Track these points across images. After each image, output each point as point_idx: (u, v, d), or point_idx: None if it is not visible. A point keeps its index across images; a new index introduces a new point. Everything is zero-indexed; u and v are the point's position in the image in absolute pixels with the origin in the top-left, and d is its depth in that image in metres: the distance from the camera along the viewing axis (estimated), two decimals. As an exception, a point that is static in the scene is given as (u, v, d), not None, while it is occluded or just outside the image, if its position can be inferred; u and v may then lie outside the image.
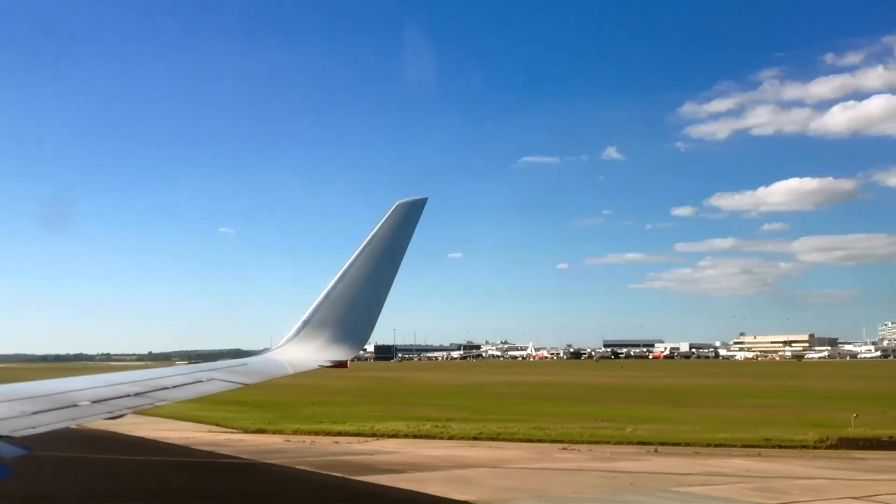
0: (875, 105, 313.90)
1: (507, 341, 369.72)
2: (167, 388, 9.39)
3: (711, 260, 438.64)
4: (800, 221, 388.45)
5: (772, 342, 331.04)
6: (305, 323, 12.14)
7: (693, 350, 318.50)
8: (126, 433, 33.23)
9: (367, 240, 12.41)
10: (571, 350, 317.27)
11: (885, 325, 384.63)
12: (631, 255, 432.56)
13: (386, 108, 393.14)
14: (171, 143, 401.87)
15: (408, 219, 12.37)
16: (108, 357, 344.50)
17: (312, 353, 11.59)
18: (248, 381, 10.44)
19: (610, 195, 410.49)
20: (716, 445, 32.13)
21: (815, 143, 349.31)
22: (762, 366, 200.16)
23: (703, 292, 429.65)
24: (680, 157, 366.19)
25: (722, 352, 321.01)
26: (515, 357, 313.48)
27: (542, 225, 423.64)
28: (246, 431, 37.50)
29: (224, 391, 9.81)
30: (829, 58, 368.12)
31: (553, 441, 33.52)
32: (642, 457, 29.21)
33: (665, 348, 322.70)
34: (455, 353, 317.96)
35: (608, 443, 32.85)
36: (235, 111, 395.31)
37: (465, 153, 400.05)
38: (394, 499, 20.36)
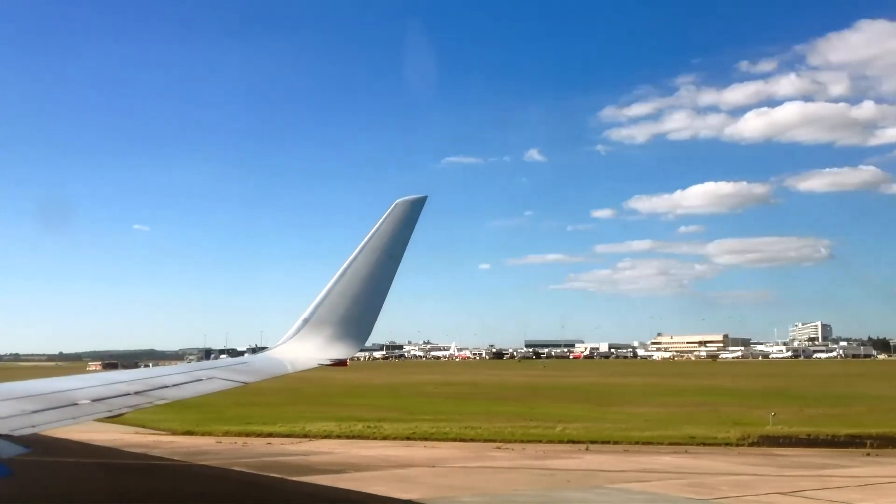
0: (787, 112, 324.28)
1: (430, 341, 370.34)
2: (167, 386, 9.35)
3: (630, 261, 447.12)
4: (715, 224, 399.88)
5: (688, 342, 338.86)
6: (305, 321, 12.04)
7: (612, 350, 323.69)
8: (48, 435, 32.32)
9: (367, 238, 12.38)
10: (494, 350, 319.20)
11: (796, 325, 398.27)
12: (552, 256, 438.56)
13: (309, 105, 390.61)
14: (77, 136, 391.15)
15: (407, 217, 12.36)
16: (16, 357, 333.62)
17: (312, 352, 11.51)
18: (249, 379, 10.41)
19: (532, 196, 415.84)
20: (644, 443, 32.97)
21: (729, 148, 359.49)
22: (679, 365, 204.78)
23: (622, 293, 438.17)
24: (600, 159, 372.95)
25: (640, 352, 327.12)
26: (438, 357, 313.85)
27: (464, 225, 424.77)
28: (174, 433, 36.89)
29: (224, 390, 9.78)
30: (743, 65, 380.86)
31: (486, 440, 33.91)
32: (575, 454, 29.82)
33: (585, 348, 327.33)
34: (377, 354, 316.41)
35: (540, 441, 33.37)
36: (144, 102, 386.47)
37: (387, 152, 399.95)
38: (339, 499, 20.38)
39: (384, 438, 35.08)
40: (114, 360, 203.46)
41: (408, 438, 35.01)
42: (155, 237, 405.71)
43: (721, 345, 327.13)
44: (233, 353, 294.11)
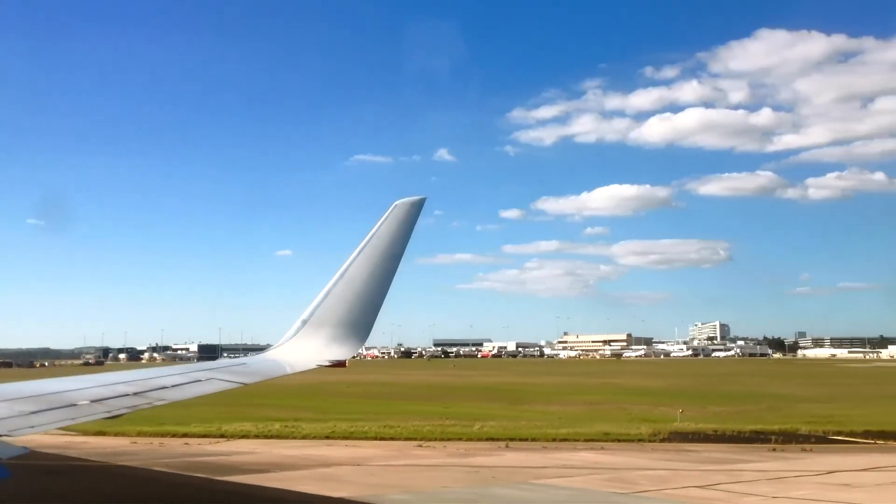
0: (689, 117, 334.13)
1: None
2: (165, 387, 9.27)
3: (537, 261, 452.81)
4: (619, 226, 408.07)
5: (593, 341, 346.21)
6: (304, 322, 11.94)
7: (520, 349, 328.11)
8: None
9: (366, 239, 12.37)
10: (403, 349, 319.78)
11: (696, 325, 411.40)
12: (461, 256, 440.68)
13: (221, 99, 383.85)
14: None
15: (406, 218, 12.37)
16: None
17: (311, 353, 11.42)
18: (247, 380, 10.35)
19: (441, 196, 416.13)
20: (561, 440, 33.70)
21: (634, 152, 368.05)
22: (585, 364, 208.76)
23: (530, 293, 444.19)
24: (509, 160, 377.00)
25: (547, 351, 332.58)
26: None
27: (372, 224, 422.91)
28: (86, 434, 35.84)
29: (223, 391, 9.72)
30: (648, 71, 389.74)
31: (406, 439, 34.12)
32: (496, 452, 30.30)
33: (493, 347, 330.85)
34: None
35: (460, 439, 33.77)
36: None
37: (297, 149, 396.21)
38: (271, 498, 20.32)
39: (303, 438, 34.94)
40: (7, 360, 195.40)
41: (327, 438, 34.94)
42: (51, 232, 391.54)
43: (625, 344, 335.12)
44: (132, 352, 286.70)
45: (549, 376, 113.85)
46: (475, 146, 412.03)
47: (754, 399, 62.04)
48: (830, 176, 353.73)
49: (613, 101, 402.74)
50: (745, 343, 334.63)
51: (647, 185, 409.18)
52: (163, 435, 35.06)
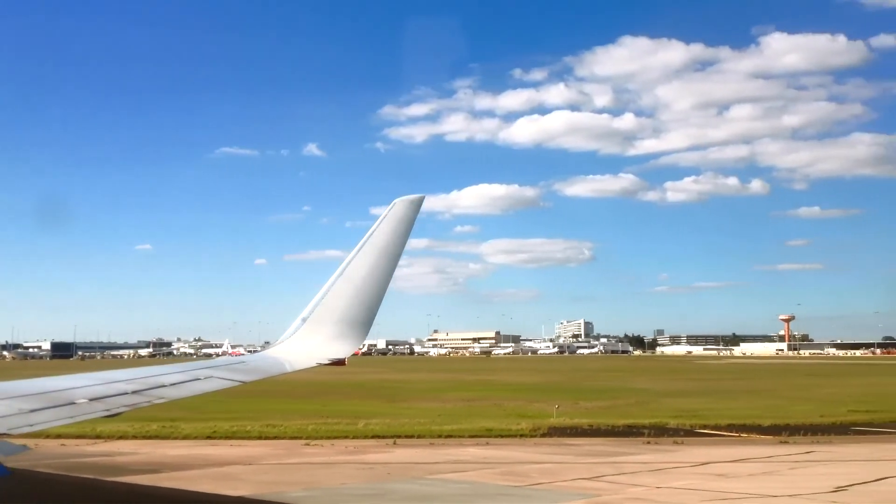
0: (556, 120, 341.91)
1: (202, 338, 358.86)
2: (164, 385, 9.15)
3: (407, 259, 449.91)
4: (488, 225, 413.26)
5: (462, 339, 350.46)
6: (304, 320, 11.83)
7: (390, 346, 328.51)
8: None
9: (365, 237, 12.33)
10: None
11: (561, 323, 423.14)
12: (331, 252, 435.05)
13: (78, 85, 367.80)
14: None
15: (405, 216, 12.36)
16: None
17: (310, 351, 11.32)
18: (247, 378, 10.22)
19: (310, 191, 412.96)
20: (446, 436, 34.29)
21: (503, 152, 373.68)
22: (455, 361, 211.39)
23: (400, 290, 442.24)
24: (380, 157, 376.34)
25: (417, 348, 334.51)
26: (210, 355, 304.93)
27: (239, 219, 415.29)
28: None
29: (222, 389, 9.65)
30: (517, 73, 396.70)
31: (292, 437, 33.95)
32: (385, 449, 30.57)
33: (364, 345, 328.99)
34: (143, 351, 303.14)
35: (347, 437, 33.87)
36: None
37: (156, 140, 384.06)
38: (174, 498, 19.89)
39: (185, 438, 34.24)
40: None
41: (209, 438, 34.38)
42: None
43: (494, 341, 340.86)
44: (15, 347, 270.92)
45: (421, 373, 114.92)
46: (345, 141, 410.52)
47: (622, 394, 64.45)
48: (688, 180, 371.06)
49: (484, 102, 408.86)
50: (608, 340, 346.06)
51: (516, 185, 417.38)
52: (35, 436, 33.58)
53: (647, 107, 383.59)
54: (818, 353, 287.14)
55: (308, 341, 11.40)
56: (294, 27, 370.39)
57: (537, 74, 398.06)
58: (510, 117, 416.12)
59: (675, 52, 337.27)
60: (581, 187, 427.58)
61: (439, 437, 34.18)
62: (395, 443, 32.41)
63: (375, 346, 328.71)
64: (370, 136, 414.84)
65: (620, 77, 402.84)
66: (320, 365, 11.06)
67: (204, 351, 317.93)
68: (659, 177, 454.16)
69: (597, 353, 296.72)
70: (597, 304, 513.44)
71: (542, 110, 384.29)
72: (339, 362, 11.22)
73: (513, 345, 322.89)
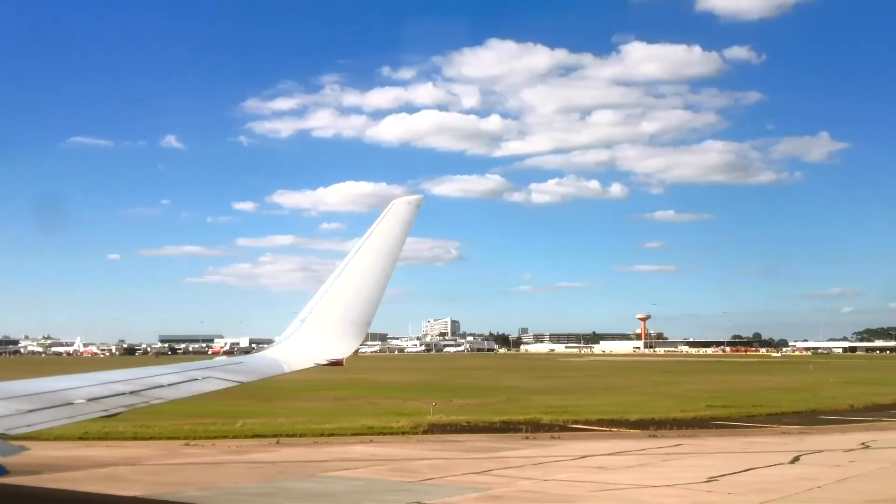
0: (424, 119, 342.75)
1: (51, 336, 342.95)
2: (162, 386, 8.98)
3: (272, 256, 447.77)
4: (355, 222, 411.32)
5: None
6: (302, 321, 11.63)
7: (253, 345, 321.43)
8: None
9: (363, 238, 12.14)
10: (125, 346, 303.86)
11: (428, 321, 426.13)
12: (190, 248, 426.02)
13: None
14: None
15: (404, 217, 12.23)
16: None
17: (309, 352, 11.12)
18: (245, 379, 10.05)
19: (169, 185, 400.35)
20: (329, 435, 34.26)
21: (370, 150, 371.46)
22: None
23: (264, 287, 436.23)
24: (243, 151, 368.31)
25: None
26: (60, 353, 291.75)
27: (91, 212, 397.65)
28: None
29: (220, 389, 9.54)
30: (385, 70, 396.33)
31: (169, 438, 33.09)
32: (270, 448, 30.35)
33: (225, 343, 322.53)
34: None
35: (227, 437, 33.35)
36: None
37: (1, 127, 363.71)
38: (65, 499, 19.25)
39: (56, 439, 32.72)
40: None
41: (81, 438, 33.01)
42: None
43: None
44: None
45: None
46: (207, 135, 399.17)
47: (493, 392, 65.77)
48: (551, 182, 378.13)
49: (351, 98, 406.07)
50: (474, 339, 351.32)
51: (384, 183, 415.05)
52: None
53: (513, 109, 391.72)
54: (672, 351, 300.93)
55: (306, 342, 11.38)
56: (154, 9, 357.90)
57: (406, 73, 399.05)
58: (378, 115, 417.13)
59: (540, 57, 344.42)
60: (448, 187, 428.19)
61: (321, 435, 34.12)
62: (278, 442, 32.19)
63: (238, 344, 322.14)
64: (233, 130, 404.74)
65: (488, 79, 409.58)
66: (318, 366, 11.07)
67: (53, 350, 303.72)
68: (524, 178, 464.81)
69: (463, 351, 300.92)
70: (463, 302, 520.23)
71: (411, 109, 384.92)
72: (336, 363, 11.24)
73: (380, 343, 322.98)
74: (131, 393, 8.52)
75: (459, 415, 43.07)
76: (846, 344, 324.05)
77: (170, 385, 9.12)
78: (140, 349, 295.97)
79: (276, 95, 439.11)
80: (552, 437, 34.38)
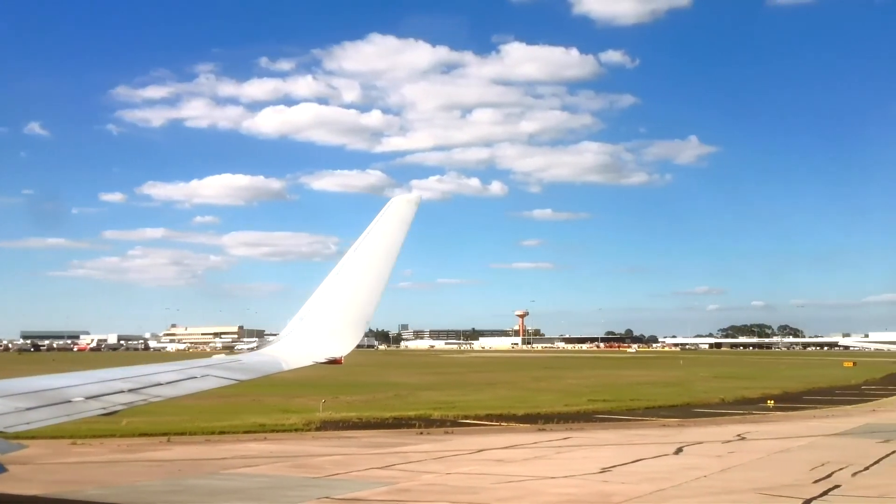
0: (303, 112, 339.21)
1: None
2: (160, 384, 8.89)
3: (142, 249, 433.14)
4: (231, 216, 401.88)
5: (203, 333, 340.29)
6: (301, 319, 11.38)
7: (122, 342, 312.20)
8: None
9: (362, 236, 11.89)
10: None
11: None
12: (54, 241, 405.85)
13: None
14: None
15: (402, 215, 12.02)
16: None
17: (307, 350, 10.92)
18: (243, 377, 9.90)
19: (32, 174, 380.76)
20: (220, 433, 33.80)
21: (247, 142, 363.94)
22: (198, 357, 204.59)
23: (133, 282, 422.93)
24: (112, 140, 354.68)
25: (153, 343, 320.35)
26: None
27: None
28: None
29: (219, 387, 9.36)
30: (263, 61, 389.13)
31: (52, 437, 31.81)
32: (163, 447, 29.73)
33: (92, 340, 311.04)
34: None
35: (113, 436, 32.36)
36: None
37: None
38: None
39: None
40: None
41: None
42: None
43: (236, 336, 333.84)
44: None
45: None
46: (73, 122, 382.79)
47: (379, 388, 65.95)
48: (432, 179, 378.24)
49: (227, 88, 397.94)
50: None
51: (261, 177, 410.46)
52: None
53: (395, 105, 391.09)
54: (549, 347, 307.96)
55: (305, 340, 11.33)
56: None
57: (285, 65, 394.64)
58: (255, 106, 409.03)
59: (421, 54, 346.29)
60: (328, 181, 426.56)
61: (213, 433, 33.63)
62: (169, 440, 31.54)
63: (106, 340, 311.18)
64: (101, 118, 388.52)
65: (369, 74, 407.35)
66: (317, 364, 11.02)
67: None
68: (405, 174, 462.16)
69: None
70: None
71: (289, 101, 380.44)
72: (335, 361, 11.20)
73: (257, 340, 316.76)
74: (130, 391, 8.52)
75: (349, 411, 43.19)
76: (712, 340, 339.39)
77: (169, 383, 9.14)
78: (1, 346, 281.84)
79: (148, 83, 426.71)
80: (446, 433, 34.94)
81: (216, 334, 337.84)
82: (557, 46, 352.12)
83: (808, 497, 20.01)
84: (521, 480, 22.42)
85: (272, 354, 11.27)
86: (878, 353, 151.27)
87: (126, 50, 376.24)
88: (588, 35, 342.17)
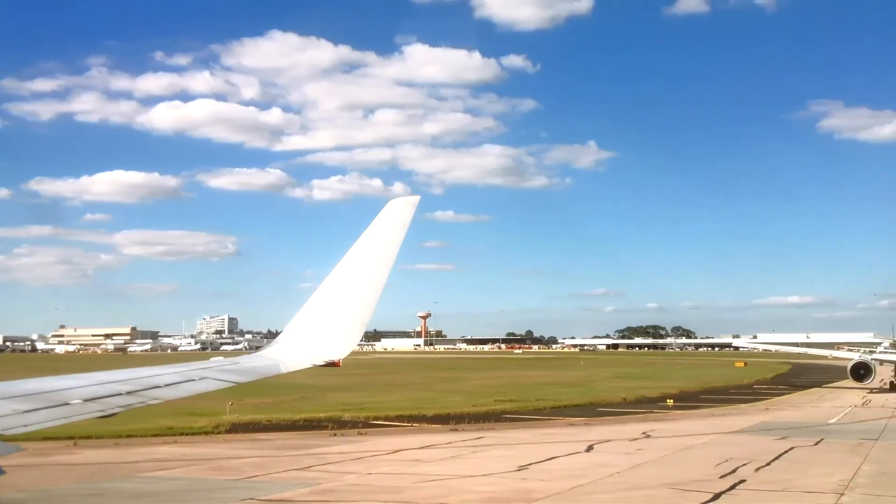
0: (200, 108, 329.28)
1: None
2: (159, 386, 8.68)
3: (28, 247, 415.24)
4: (123, 214, 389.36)
5: (93, 335, 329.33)
6: (298, 322, 11.11)
7: (7, 343, 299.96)
8: None
9: (360, 238, 11.67)
10: None
11: (204, 318, 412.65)
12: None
13: None
14: None
15: (400, 217, 11.76)
16: None
17: (305, 352, 10.66)
18: (241, 379, 9.63)
19: None
20: (128, 436, 33.03)
21: (141, 138, 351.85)
22: (87, 360, 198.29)
23: (19, 281, 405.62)
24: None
25: (40, 345, 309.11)
26: None
27: None
28: None
29: (217, 389, 9.15)
30: (159, 55, 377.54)
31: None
32: (69, 450, 28.90)
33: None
34: None
35: (16, 440, 31.34)
36: None
37: None
38: None
39: None
40: None
41: None
42: None
43: (129, 337, 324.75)
44: None
45: (49, 373, 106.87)
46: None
47: (284, 390, 64.92)
48: (333, 179, 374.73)
49: (121, 82, 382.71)
50: (253, 336, 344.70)
51: (156, 174, 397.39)
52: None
53: (296, 103, 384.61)
54: (452, 349, 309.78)
55: (303, 343, 11.21)
56: None
57: (181, 59, 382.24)
58: (150, 101, 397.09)
59: (323, 52, 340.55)
60: (226, 180, 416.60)
61: (120, 437, 32.83)
62: (75, 444, 30.64)
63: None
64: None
65: (269, 71, 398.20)
66: (315, 366, 10.94)
67: None
68: (306, 174, 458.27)
69: (241, 349, 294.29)
70: (241, 299, 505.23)
71: (186, 97, 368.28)
72: (333, 364, 11.10)
73: (151, 341, 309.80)
74: (128, 393, 8.44)
75: (257, 413, 42.72)
76: (609, 341, 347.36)
77: (167, 385, 9.06)
78: None
79: (36, 75, 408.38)
80: (359, 434, 35.03)
81: (107, 335, 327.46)
82: (460, 49, 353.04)
83: (718, 491, 20.95)
84: (443, 479, 22.73)
85: (270, 357, 11.24)
86: (766, 353, 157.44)
87: (13, 40, 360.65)
88: (490, 39, 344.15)
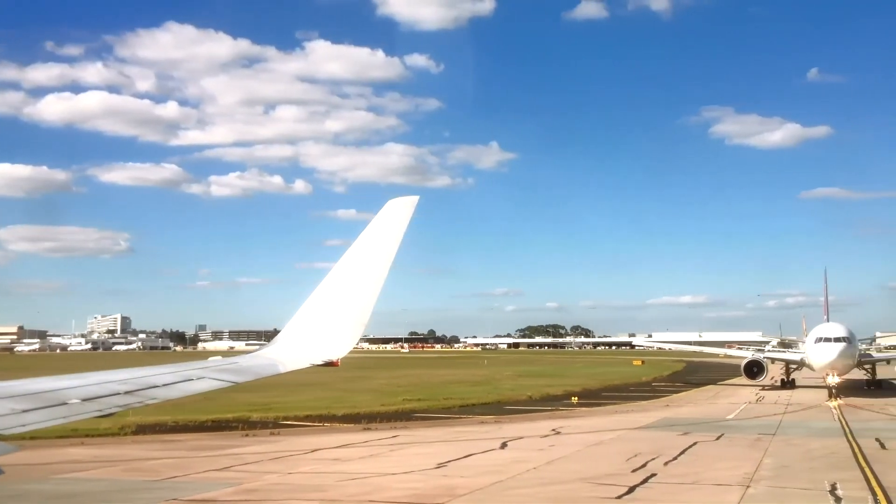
0: (92, 100, 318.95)
1: None
2: (157, 386, 8.61)
3: None
4: (8, 208, 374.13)
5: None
6: (297, 321, 10.79)
7: None
8: None
9: (359, 238, 11.41)
10: None
11: (95, 317, 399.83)
12: None
13: None
14: None
15: (399, 217, 11.54)
16: None
17: (304, 352, 10.40)
18: (239, 379, 9.40)
19: None
20: (31, 438, 31.85)
21: (29, 130, 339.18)
22: None
23: None
24: None
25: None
26: None
27: None
28: None
29: (214, 389, 8.94)
30: (49, 45, 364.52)
31: None
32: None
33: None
34: None
35: None
36: None
37: None
38: None
39: None
40: None
41: None
42: None
43: (16, 336, 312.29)
44: None
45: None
46: None
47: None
48: (232, 175, 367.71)
49: (7, 72, 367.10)
50: (147, 336, 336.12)
51: (44, 167, 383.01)
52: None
53: (193, 97, 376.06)
54: (356, 347, 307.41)
55: (301, 343, 11.10)
56: None
57: (72, 50, 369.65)
58: (38, 92, 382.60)
59: (221, 46, 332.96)
60: (119, 174, 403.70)
61: (23, 438, 31.69)
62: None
63: None
64: None
65: (165, 63, 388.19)
66: (313, 366, 10.85)
67: None
68: (203, 170, 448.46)
69: (135, 349, 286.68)
70: (134, 298, 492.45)
71: (77, 88, 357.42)
72: (331, 363, 11.02)
73: (39, 341, 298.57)
74: (126, 393, 8.41)
75: (162, 415, 41.77)
76: (511, 340, 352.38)
77: (165, 385, 9.03)
78: None
79: None
80: (272, 434, 34.89)
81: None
82: (363, 47, 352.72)
83: (632, 484, 21.80)
84: (365, 477, 22.92)
85: (269, 357, 11.22)
86: (662, 351, 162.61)
87: None
88: (393, 37, 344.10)
